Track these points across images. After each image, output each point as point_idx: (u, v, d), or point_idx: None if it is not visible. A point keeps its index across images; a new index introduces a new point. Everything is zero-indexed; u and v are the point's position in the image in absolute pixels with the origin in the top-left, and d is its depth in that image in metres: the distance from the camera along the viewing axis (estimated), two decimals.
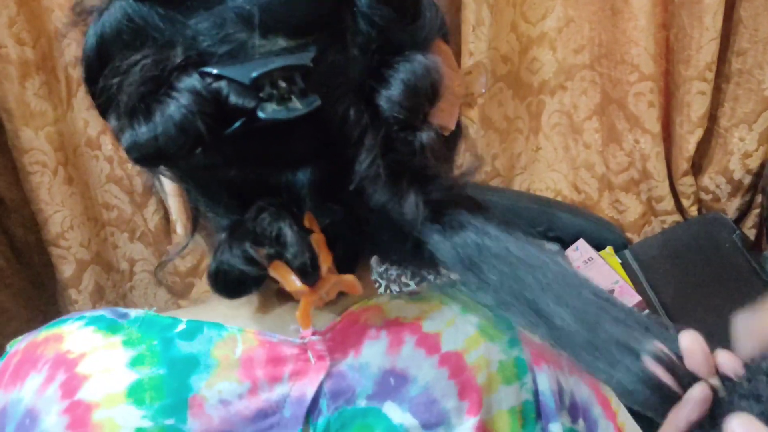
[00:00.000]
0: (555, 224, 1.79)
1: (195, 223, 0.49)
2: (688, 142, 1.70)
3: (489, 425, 0.50)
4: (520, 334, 0.54)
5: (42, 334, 0.49)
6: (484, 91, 0.56)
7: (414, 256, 0.46)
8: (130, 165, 1.63)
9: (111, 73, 0.40)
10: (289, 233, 0.42)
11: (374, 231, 0.46)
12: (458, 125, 0.49)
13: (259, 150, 0.42)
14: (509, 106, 1.81)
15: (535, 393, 0.53)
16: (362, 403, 0.48)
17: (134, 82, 0.39)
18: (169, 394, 0.45)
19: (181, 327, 0.47)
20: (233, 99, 0.39)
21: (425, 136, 0.43)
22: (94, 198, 1.70)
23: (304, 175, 0.43)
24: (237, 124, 0.39)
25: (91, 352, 0.46)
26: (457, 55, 1.71)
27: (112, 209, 1.73)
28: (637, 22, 1.61)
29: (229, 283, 0.45)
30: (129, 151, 0.40)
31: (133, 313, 0.49)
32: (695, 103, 1.66)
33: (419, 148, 0.43)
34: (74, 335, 0.48)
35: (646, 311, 1.50)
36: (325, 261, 0.44)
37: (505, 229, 0.44)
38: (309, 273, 0.43)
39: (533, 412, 0.53)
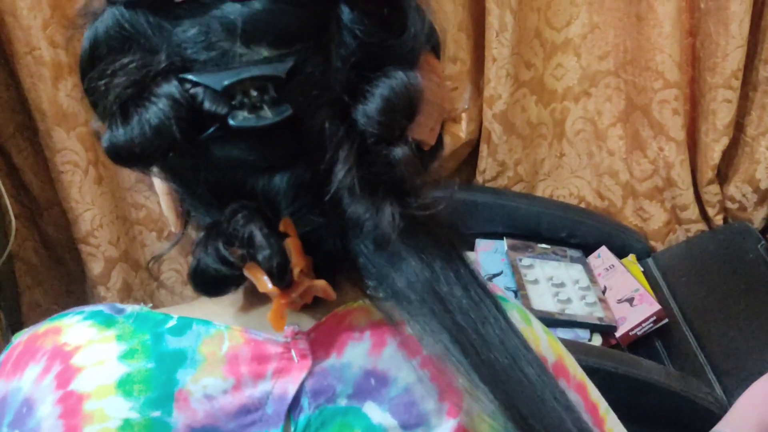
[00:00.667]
0: (577, 230, 1.79)
1: (185, 219, 0.52)
2: (714, 150, 1.69)
3: (470, 428, 0.52)
4: None
5: (43, 326, 0.52)
6: (467, 107, 0.57)
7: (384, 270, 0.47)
8: None
9: (98, 76, 0.43)
10: (258, 235, 0.44)
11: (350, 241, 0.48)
12: (439, 140, 0.50)
13: (237, 154, 0.44)
14: (533, 112, 1.81)
15: None
16: (343, 402, 0.49)
17: (118, 84, 0.42)
18: (157, 387, 0.47)
19: (172, 323, 0.50)
20: (207, 105, 0.41)
21: (399, 151, 0.44)
22: (123, 197, 1.74)
23: (280, 181, 0.45)
24: (211, 129, 0.42)
25: (86, 345, 0.49)
26: (480, 60, 1.72)
27: (140, 208, 1.77)
28: (663, 29, 1.60)
29: (207, 282, 0.47)
30: (107, 151, 0.43)
31: (129, 308, 0.51)
32: (721, 111, 1.65)
33: (394, 162, 0.44)
34: (72, 328, 0.50)
35: (665, 321, 1.50)
36: (297, 265, 0.45)
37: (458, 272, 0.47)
38: (279, 276, 0.45)
39: None
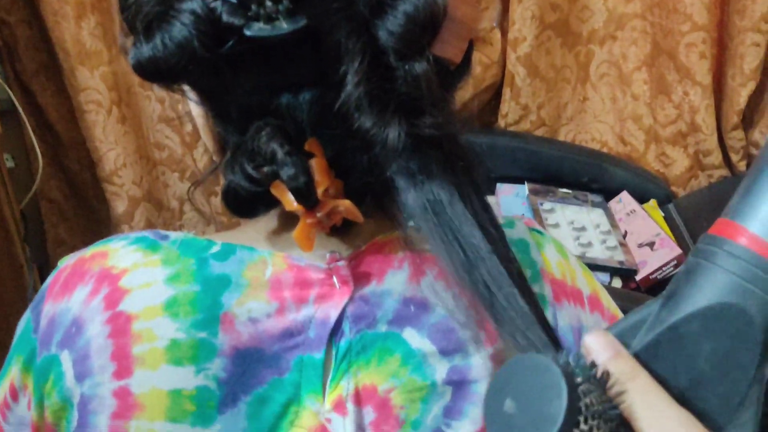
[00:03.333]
0: (599, 175, 1.78)
1: (222, 145, 0.52)
2: (740, 95, 1.67)
3: (505, 356, 0.53)
4: (542, 271, 0.56)
5: (90, 251, 0.53)
6: (495, 25, 0.56)
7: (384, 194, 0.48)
8: (180, 106, 1.67)
9: None
10: (280, 152, 0.45)
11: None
12: (466, 60, 0.49)
13: (260, 72, 0.45)
14: (557, 55, 1.79)
15: (554, 329, 0.55)
16: (383, 327, 0.51)
17: (146, 2, 0.43)
18: (202, 309, 0.48)
19: (216, 248, 0.51)
20: (225, 17, 0.42)
21: (419, 66, 0.44)
22: (146, 137, 1.75)
23: (304, 99, 0.46)
24: (230, 43, 0.43)
25: (132, 269, 0.50)
26: (506, 2, 1.70)
27: (163, 149, 1.78)
28: None
29: (239, 202, 0.48)
30: (134, 68, 0.44)
31: (173, 235, 0.53)
32: (749, 55, 1.62)
33: (412, 77, 0.43)
34: (118, 253, 0.51)
35: None
36: (322, 184, 0.46)
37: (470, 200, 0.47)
38: (304, 194, 0.46)
39: None
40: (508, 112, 1.82)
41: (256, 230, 0.53)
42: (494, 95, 1.86)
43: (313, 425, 0.49)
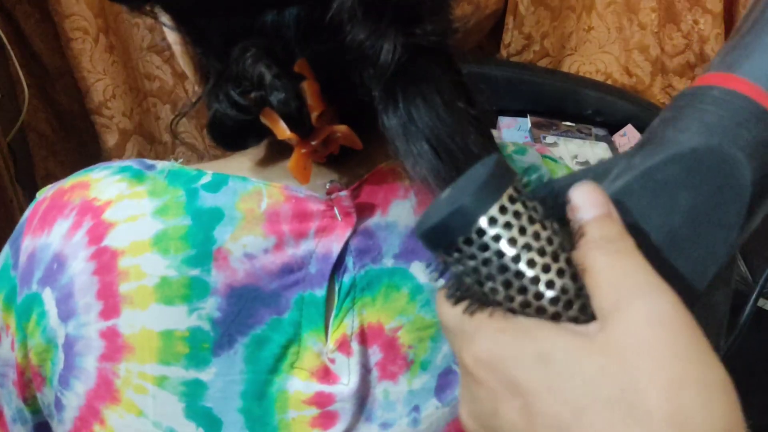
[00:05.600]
0: (603, 108, 1.73)
1: (202, 73, 0.48)
2: None
3: None
4: None
5: (69, 181, 0.49)
6: None
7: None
8: None
9: None
10: (267, 75, 0.40)
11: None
12: None
13: None
14: None
15: None
16: (389, 262, 0.47)
17: None
18: (194, 245, 0.45)
19: (206, 179, 0.47)
20: None
21: None
22: (135, 67, 1.69)
23: (290, 15, 0.41)
24: None
25: (116, 201, 0.46)
26: None
27: (153, 80, 1.72)
28: None
29: (226, 133, 0.44)
30: None
31: (160, 164, 0.49)
32: None
33: None
34: (101, 183, 0.48)
35: None
36: (315, 108, 0.41)
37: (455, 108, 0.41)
38: (297, 120, 0.41)
39: None
40: (511, 41, 1.76)
41: (250, 159, 0.49)
42: (497, 24, 1.80)
43: (314, 366, 0.46)
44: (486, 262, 0.32)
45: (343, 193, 0.47)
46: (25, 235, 0.48)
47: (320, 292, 0.46)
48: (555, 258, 0.32)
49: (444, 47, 0.42)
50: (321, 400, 0.46)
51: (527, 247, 0.31)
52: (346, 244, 0.47)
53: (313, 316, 0.46)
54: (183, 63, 0.50)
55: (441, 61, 0.42)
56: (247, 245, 0.45)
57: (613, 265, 0.31)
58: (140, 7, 0.44)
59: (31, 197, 1.61)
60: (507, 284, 0.32)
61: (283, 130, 0.42)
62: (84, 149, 1.76)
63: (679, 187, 0.34)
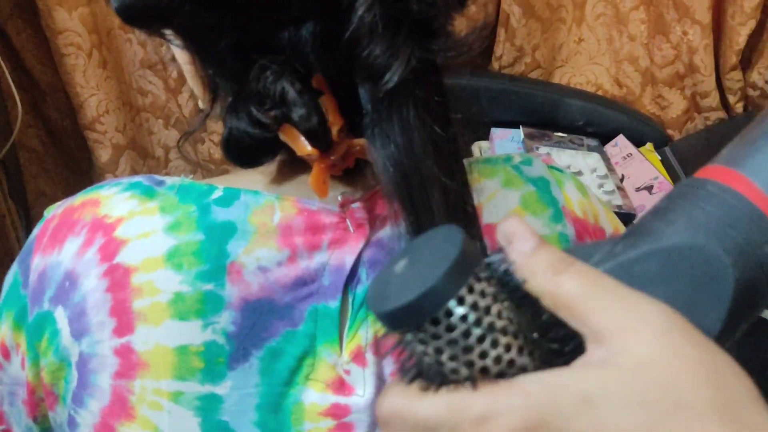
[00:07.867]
0: (594, 119, 1.74)
1: (212, 91, 0.48)
2: (739, 34, 1.63)
3: None
4: (564, 209, 0.53)
5: (79, 199, 0.49)
6: None
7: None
8: (164, 49, 1.61)
9: None
10: (291, 91, 0.40)
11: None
12: None
13: (259, 6, 0.40)
14: None
15: None
16: None
17: None
18: (207, 260, 0.45)
19: (218, 194, 0.47)
20: None
21: None
22: (128, 83, 1.68)
23: (307, 31, 0.41)
24: None
25: (128, 217, 0.46)
26: None
27: (146, 95, 1.72)
28: None
29: (242, 150, 0.44)
30: (118, 11, 0.39)
31: (170, 180, 0.49)
32: None
33: None
34: (111, 200, 0.48)
35: None
36: (335, 123, 0.42)
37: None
38: (318, 136, 0.42)
39: None
40: (503, 54, 1.77)
41: (261, 173, 0.49)
42: (488, 36, 1.81)
43: (330, 378, 0.46)
44: (451, 342, 0.31)
45: (356, 205, 0.47)
46: (35, 254, 0.48)
47: (334, 304, 0.46)
48: (515, 336, 0.32)
49: (436, 65, 0.42)
50: (337, 412, 0.46)
51: (491, 327, 0.31)
52: (359, 255, 0.47)
53: (328, 327, 0.46)
54: (191, 81, 0.50)
55: (430, 81, 0.42)
56: (260, 258, 0.45)
57: (586, 286, 0.31)
58: (158, 31, 0.44)
59: (24, 214, 1.59)
60: (470, 364, 0.31)
61: (303, 146, 0.42)
62: (75, 166, 1.75)
63: (655, 282, 0.33)
